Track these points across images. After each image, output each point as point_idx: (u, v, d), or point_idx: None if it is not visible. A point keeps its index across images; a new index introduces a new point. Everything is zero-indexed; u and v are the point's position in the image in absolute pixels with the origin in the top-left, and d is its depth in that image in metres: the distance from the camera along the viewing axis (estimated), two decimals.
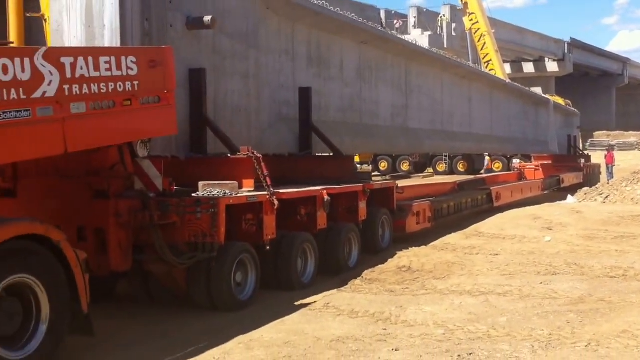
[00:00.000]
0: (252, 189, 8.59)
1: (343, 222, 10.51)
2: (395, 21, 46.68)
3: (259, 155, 8.61)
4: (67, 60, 6.10)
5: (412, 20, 48.80)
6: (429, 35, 46.43)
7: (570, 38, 65.91)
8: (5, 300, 5.55)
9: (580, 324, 6.98)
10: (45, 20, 23.42)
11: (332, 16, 12.22)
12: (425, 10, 50.39)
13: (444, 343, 6.45)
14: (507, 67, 52.53)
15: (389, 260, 10.56)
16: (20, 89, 5.69)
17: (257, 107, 10.31)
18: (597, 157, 34.92)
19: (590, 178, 27.40)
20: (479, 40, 43.04)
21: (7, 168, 7.48)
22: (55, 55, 6.03)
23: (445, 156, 39.10)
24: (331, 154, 11.66)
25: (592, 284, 8.88)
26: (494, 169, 38.59)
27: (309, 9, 11.53)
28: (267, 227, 8.45)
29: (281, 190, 8.82)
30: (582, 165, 28.11)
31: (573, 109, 33.43)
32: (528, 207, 17.27)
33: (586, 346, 6.24)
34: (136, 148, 7.40)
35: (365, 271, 9.83)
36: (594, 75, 76.90)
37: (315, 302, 8.25)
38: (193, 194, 7.83)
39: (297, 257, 9.04)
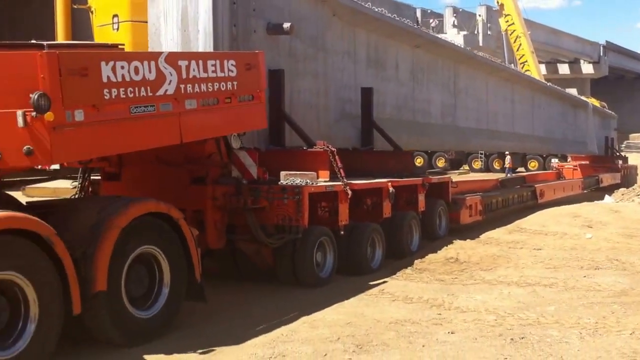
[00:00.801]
0: (328, 180, 9.44)
1: (404, 211, 11.31)
2: (431, 20, 47.29)
3: (333, 149, 9.46)
4: (183, 63, 7.00)
5: (449, 20, 49.32)
6: (464, 35, 46.94)
7: (606, 41, 65.73)
8: (135, 267, 6.48)
9: (624, 315, 7.32)
10: (92, 12, 24.36)
11: (389, 22, 13.07)
12: (460, 10, 50.92)
13: (497, 328, 6.86)
14: (543, 68, 52.75)
15: (437, 252, 11.13)
16: (148, 88, 6.59)
17: (325, 104, 11.20)
18: (634, 159, 35.09)
19: (628, 179, 27.75)
20: (514, 41, 43.49)
21: (113, 155, 8.45)
22: (174, 59, 6.94)
23: (481, 154, 39.59)
24: (391, 149, 12.48)
25: (634, 279, 9.20)
26: (529, 167, 39.05)
27: (369, 15, 12.38)
28: (341, 214, 9.28)
29: (353, 181, 9.66)
30: (619, 166, 28.48)
31: (610, 111, 33.79)
32: (567, 206, 17.73)
33: (631, 334, 6.58)
34: (230, 140, 8.30)
35: (416, 261, 10.40)
36: (629, 78, 76.39)
37: (371, 287, 8.73)
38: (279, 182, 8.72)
39: (367, 245, 9.83)
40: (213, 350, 6.30)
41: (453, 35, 44.38)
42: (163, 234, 6.71)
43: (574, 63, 62.94)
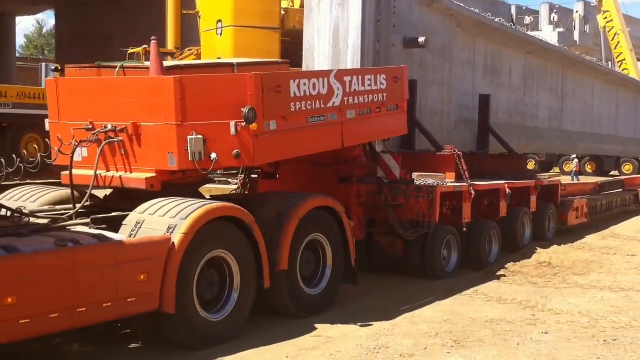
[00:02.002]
0: (454, 181, 10.49)
1: (517, 207, 12.20)
2: (526, 17, 47.02)
3: (459, 153, 10.49)
4: (347, 79, 8.20)
5: (545, 17, 48.85)
6: (559, 32, 46.46)
7: None
8: (306, 251, 7.72)
9: None
10: (200, 17, 25.85)
11: (507, 31, 13.94)
12: (557, 6, 50.31)
13: (589, 330, 7.14)
14: None
15: (530, 255, 11.50)
16: (321, 100, 7.83)
17: (447, 110, 12.24)
18: None
19: None
20: (612, 39, 42.73)
21: None
22: (341, 75, 8.15)
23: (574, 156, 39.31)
24: (504, 152, 13.39)
25: None
26: (624, 171, 38.52)
27: (490, 26, 13.30)
28: (465, 213, 10.30)
29: (475, 183, 10.66)
30: None
31: None
32: None
33: None
34: (374, 144, 9.48)
35: (508, 264, 10.72)
36: None
37: (466, 288, 9.04)
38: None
39: (485, 242, 10.83)
40: (370, 325, 7.20)
41: (548, 33, 44.06)
42: (328, 225, 7.94)
43: None
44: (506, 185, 11.47)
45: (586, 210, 14.59)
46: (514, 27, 14.42)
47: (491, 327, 7.18)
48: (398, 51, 10.72)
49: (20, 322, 5.30)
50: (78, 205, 6.92)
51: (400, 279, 9.67)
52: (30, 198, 7.50)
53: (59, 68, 21.12)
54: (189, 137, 6.77)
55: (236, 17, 21.27)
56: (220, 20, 21.66)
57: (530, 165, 41.33)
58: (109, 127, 7.08)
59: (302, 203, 7.58)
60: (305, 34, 10.46)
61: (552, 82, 16.54)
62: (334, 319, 7.50)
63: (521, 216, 12.19)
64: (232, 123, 6.86)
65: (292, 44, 22.24)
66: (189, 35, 25.62)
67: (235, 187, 10.37)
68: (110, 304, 5.85)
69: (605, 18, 43.42)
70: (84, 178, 7.20)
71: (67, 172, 7.15)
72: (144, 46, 24.37)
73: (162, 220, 6.41)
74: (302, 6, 23.44)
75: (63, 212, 7.06)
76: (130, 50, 24.41)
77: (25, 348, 5.83)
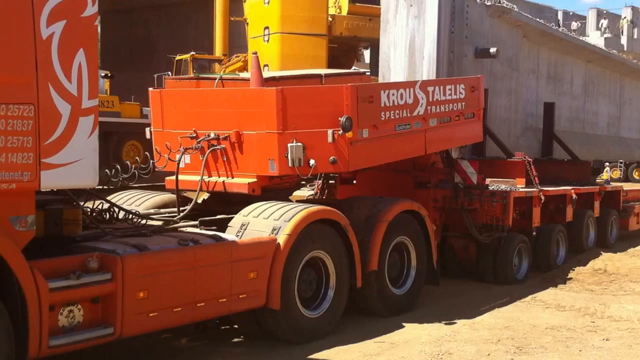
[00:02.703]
0: (524, 186, 10.76)
1: (582, 210, 12.44)
2: (572, 23, 46.75)
3: (530, 159, 10.77)
4: (430, 89, 8.58)
5: (592, 22, 48.55)
6: (605, 38, 46.08)
7: None
8: (392, 254, 8.08)
9: None
10: (247, 24, 26.14)
11: (570, 40, 14.17)
12: (605, 12, 49.91)
13: None
14: None
15: (585, 263, 11.52)
16: (407, 110, 8.22)
17: (514, 118, 12.52)
18: None
19: None
20: None
21: None
22: (425, 86, 8.54)
23: (621, 163, 38.96)
24: (567, 159, 13.61)
25: None
26: None
27: (554, 35, 13.56)
28: (535, 217, 10.56)
29: (545, 188, 10.92)
30: None
31: None
32: None
33: None
34: (451, 151, 9.82)
35: (564, 271, 10.74)
36: None
37: (524, 295, 9.08)
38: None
39: (554, 244, 11.12)
40: (432, 330, 7.36)
41: (595, 39, 43.79)
42: (413, 228, 8.31)
43: None
44: (573, 190, 11.71)
45: None
46: (576, 37, 14.62)
47: (552, 333, 7.29)
48: (470, 61, 11.06)
49: (150, 315, 5.77)
50: (187, 208, 7.41)
51: (465, 284, 9.87)
52: (136, 202, 8.02)
53: (109, 74, 21.95)
54: (289, 144, 7.20)
55: (283, 24, 21.44)
56: (267, 27, 22.03)
57: None
58: (212, 135, 7.56)
59: (391, 207, 7.95)
60: (381, 45, 10.87)
61: (610, 90, 16.68)
62: (396, 324, 7.67)
63: (586, 219, 12.48)
64: (330, 131, 7.27)
65: (338, 51, 22.63)
66: (237, 42, 26.17)
67: (312, 192, 10.78)
68: (225, 299, 6.30)
69: None
70: (187, 183, 7.70)
71: (173, 177, 7.65)
72: (192, 53, 25.04)
73: (267, 222, 6.83)
74: (349, 13, 23.86)
75: (169, 214, 7.56)
76: (178, 57, 25.04)
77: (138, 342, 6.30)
